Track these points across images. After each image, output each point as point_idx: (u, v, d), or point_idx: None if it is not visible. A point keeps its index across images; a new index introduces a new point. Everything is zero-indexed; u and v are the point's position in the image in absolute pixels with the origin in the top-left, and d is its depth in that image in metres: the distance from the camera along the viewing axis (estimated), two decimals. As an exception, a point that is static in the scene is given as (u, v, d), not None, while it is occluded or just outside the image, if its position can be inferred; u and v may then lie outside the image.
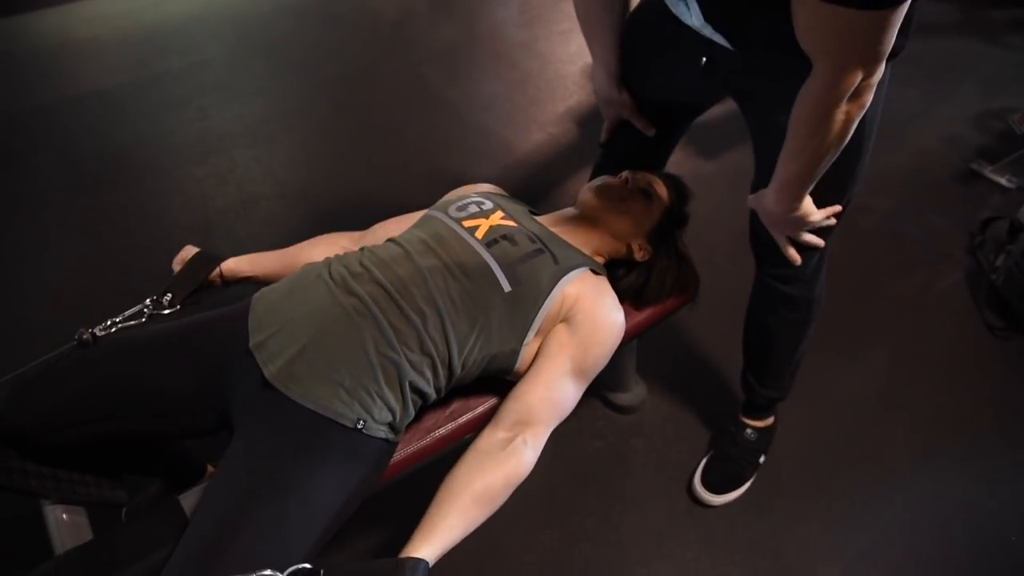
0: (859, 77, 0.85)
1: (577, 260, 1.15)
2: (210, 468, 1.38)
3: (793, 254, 1.21)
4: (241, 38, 3.30)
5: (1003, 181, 2.38)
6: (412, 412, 1.01)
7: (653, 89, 1.32)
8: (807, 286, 1.31)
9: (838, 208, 1.16)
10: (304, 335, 0.96)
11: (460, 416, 1.12)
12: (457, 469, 0.97)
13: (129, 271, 2.02)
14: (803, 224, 1.15)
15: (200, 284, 1.19)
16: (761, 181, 1.23)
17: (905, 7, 0.77)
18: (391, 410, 0.96)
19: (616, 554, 1.48)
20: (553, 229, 1.22)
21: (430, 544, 0.87)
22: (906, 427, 1.70)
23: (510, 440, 0.99)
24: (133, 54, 3.15)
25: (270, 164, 2.50)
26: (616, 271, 1.27)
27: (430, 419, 1.11)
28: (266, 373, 0.94)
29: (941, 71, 2.92)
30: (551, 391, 1.05)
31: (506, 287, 1.05)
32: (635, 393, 1.71)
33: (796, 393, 1.56)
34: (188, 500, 1.02)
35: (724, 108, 1.34)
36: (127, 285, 2.01)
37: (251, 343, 0.98)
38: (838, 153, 0.98)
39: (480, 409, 1.13)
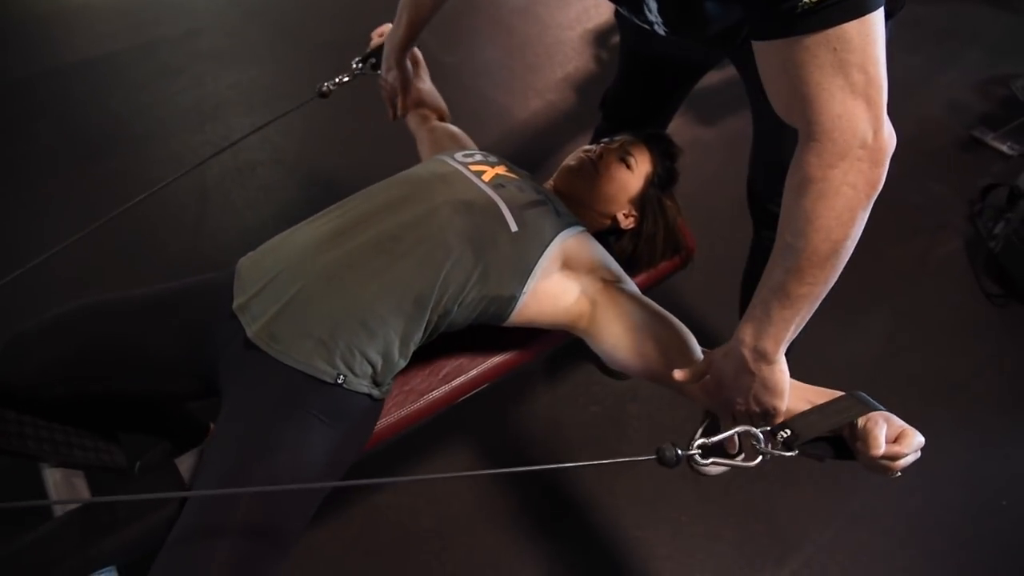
0: (863, 124, 0.73)
1: (575, 219, 1.15)
2: (213, 427, 1.39)
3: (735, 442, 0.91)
4: (235, 4, 3.24)
5: (1004, 148, 2.36)
6: (398, 364, 1.00)
7: (653, 48, 1.30)
8: None
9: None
10: (286, 293, 0.96)
11: (454, 379, 1.12)
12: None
13: (126, 238, 2.02)
14: (764, 401, 0.90)
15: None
16: (757, 147, 1.22)
17: (881, 22, 0.70)
18: (372, 364, 0.96)
19: (611, 518, 1.49)
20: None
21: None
22: (901, 392, 1.71)
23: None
24: (127, 21, 3.10)
25: (266, 131, 2.47)
26: (606, 239, 1.26)
27: (424, 382, 1.12)
28: (248, 333, 0.95)
29: (945, 36, 2.88)
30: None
31: (513, 227, 1.04)
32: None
33: (793, 357, 1.56)
34: (184, 463, 1.04)
35: (723, 74, 1.33)
36: (124, 251, 2.01)
37: (234, 304, 0.98)
38: (845, 260, 0.82)
39: (474, 372, 1.13)
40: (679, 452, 0.78)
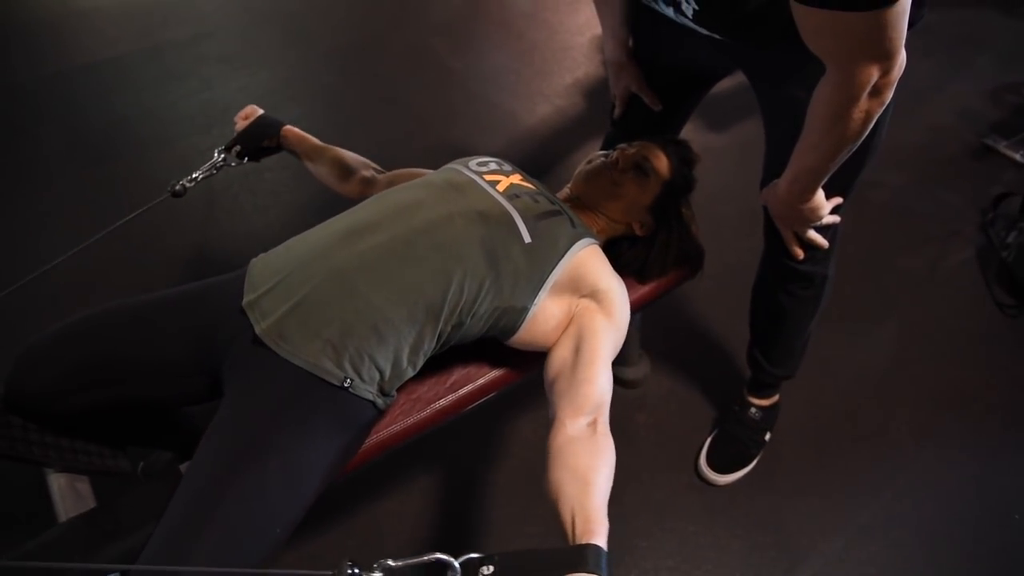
0: (874, 75, 0.83)
1: (589, 231, 1.14)
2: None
3: (798, 251, 1.23)
4: (245, 8, 3.26)
5: (1017, 156, 2.34)
6: (406, 373, 0.99)
7: (664, 58, 1.29)
8: (822, 262, 1.29)
9: (840, 200, 1.17)
10: (299, 292, 0.95)
11: (461, 388, 1.11)
12: (571, 460, 0.88)
13: (132, 241, 2.02)
14: (813, 218, 1.14)
15: (262, 143, 1.30)
16: (771, 155, 1.21)
17: (903, 4, 0.75)
18: (380, 370, 0.95)
19: (617, 527, 1.46)
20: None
21: (595, 531, 0.79)
22: (911, 404, 1.69)
23: (595, 423, 0.93)
24: (136, 25, 3.12)
25: (275, 135, 2.48)
26: (619, 245, 1.25)
27: (432, 390, 1.11)
28: (257, 330, 0.94)
29: (957, 43, 2.86)
30: (608, 373, 0.99)
31: (526, 238, 1.03)
32: (639, 367, 1.71)
33: (801, 368, 1.55)
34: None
35: (734, 81, 1.31)
36: (132, 256, 2.01)
37: (244, 301, 0.98)
38: (855, 147, 0.97)
39: (481, 380, 1.12)
40: (358, 572, 0.68)
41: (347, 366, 0.92)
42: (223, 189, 2.25)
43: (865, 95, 0.85)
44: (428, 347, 0.99)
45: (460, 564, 0.72)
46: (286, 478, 0.86)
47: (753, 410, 1.57)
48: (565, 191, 1.29)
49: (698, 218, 1.33)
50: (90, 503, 1.08)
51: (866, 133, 0.93)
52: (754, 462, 1.57)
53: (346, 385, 0.92)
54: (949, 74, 2.73)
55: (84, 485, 1.10)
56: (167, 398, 1.07)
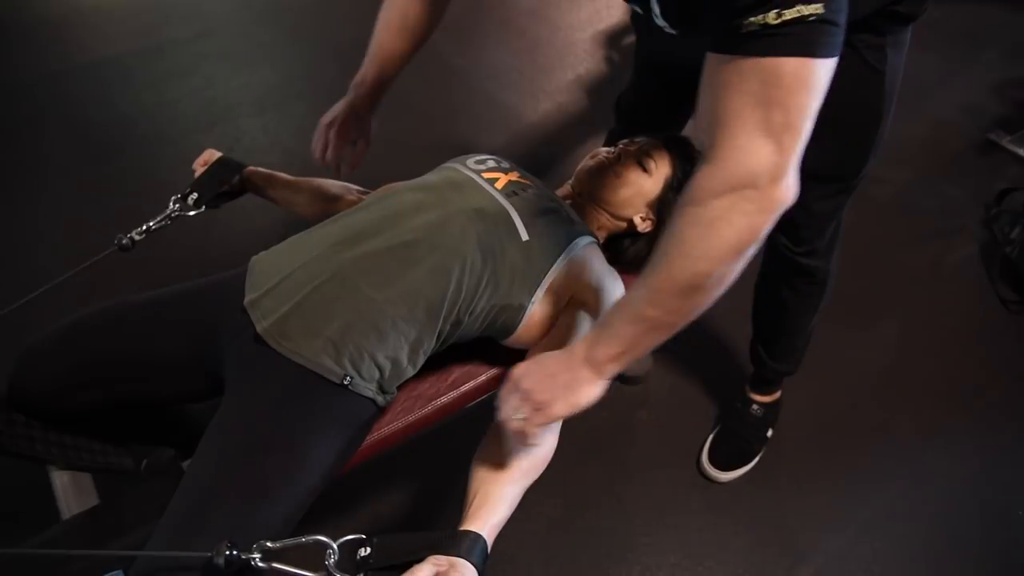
0: (763, 162, 0.68)
1: (588, 229, 1.14)
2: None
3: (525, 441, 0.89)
4: (248, 6, 3.26)
5: (1021, 152, 2.33)
6: (407, 372, 1.00)
7: (658, 57, 1.29)
8: (824, 256, 1.28)
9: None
10: (300, 292, 0.95)
11: (462, 385, 1.11)
12: (496, 446, 0.91)
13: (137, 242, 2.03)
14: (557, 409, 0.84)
15: (222, 188, 1.22)
16: None
17: (825, 73, 0.67)
18: (379, 368, 0.95)
19: (619, 524, 1.48)
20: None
21: (485, 518, 0.82)
22: (915, 401, 1.69)
23: None
24: (139, 22, 3.12)
25: (277, 132, 2.48)
26: (621, 241, 1.25)
27: (432, 388, 1.11)
28: (258, 328, 0.94)
29: (962, 37, 2.84)
30: None
31: (524, 236, 1.03)
32: (641, 364, 1.71)
33: (804, 364, 1.55)
34: (192, 467, 1.03)
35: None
36: (134, 254, 2.01)
37: (245, 300, 0.98)
38: (707, 288, 0.76)
39: (482, 378, 1.12)
40: (235, 554, 0.71)
41: (347, 364, 0.93)
42: (225, 187, 2.25)
43: (742, 195, 0.70)
44: (428, 346, 0.99)
45: (338, 545, 0.75)
46: (287, 475, 0.86)
47: (755, 406, 1.57)
48: (566, 188, 1.29)
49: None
50: (93, 500, 1.09)
51: (724, 277, 0.75)
52: (756, 459, 1.56)
53: (346, 383, 0.92)
54: (953, 69, 2.72)
55: (87, 482, 1.10)
56: (169, 396, 1.07)
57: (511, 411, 0.84)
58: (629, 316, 0.81)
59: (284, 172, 1.40)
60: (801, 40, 0.65)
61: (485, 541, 0.79)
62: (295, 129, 2.50)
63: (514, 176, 1.14)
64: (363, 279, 0.96)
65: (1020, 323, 1.86)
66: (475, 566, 0.75)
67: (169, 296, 1.05)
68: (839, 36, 0.67)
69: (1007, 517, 1.49)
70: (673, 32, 0.96)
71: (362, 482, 1.52)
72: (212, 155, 1.26)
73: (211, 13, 3.18)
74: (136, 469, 1.15)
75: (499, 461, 0.89)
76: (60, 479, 1.08)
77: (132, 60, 2.89)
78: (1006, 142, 2.37)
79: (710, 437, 1.60)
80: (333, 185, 1.31)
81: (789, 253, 1.26)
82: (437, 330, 0.99)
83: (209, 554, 0.70)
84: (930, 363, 1.77)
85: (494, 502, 0.85)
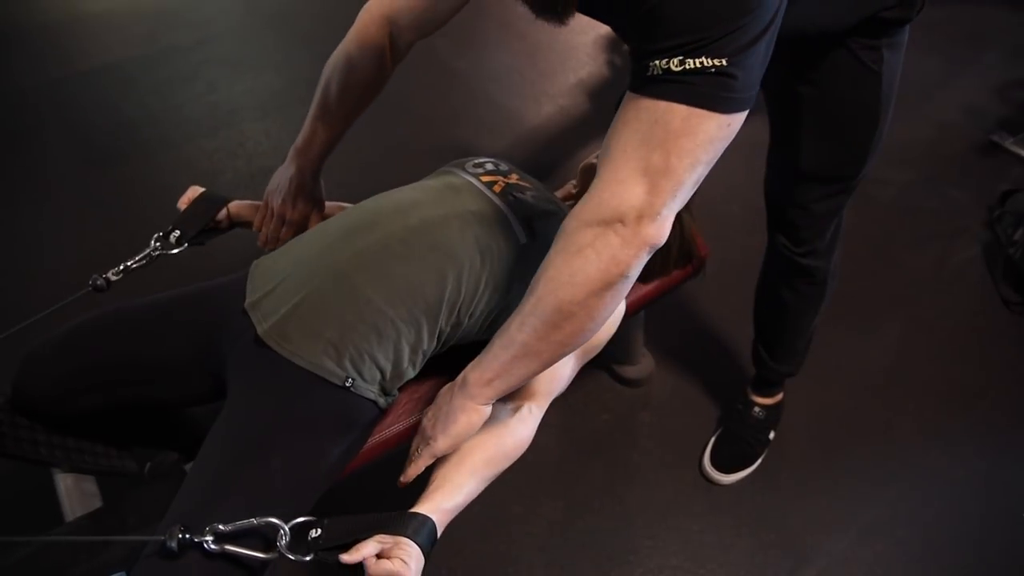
0: (635, 200, 0.70)
1: None
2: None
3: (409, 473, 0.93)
4: (250, 11, 3.27)
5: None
6: (407, 373, 1.00)
7: None
8: (825, 257, 1.28)
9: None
10: (299, 293, 0.96)
11: (463, 388, 1.11)
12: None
13: (139, 245, 2.03)
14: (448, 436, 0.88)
15: (207, 224, 1.20)
16: (776, 152, 1.21)
17: (721, 127, 0.68)
18: (380, 370, 0.96)
19: (621, 526, 1.48)
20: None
21: (438, 502, 0.85)
22: (917, 402, 1.69)
23: (518, 408, 0.98)
24: (142, 28, 3.13)
25: (280, 137, 2.49)
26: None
27: (433, 390, 1.10)
28: (259, 330, 0.94)
29: (964, 38, 2.84)
30: (571, 365, 1.04)
31: (522, 238, 1.04)
32: (643, 366, 1.71)
33: (806, 366, 1.55)
34: (194, 469, 1.04)
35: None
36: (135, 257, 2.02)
37: (246, 302, 0.98)
38: (576, 329, 0.78)
39: (483, 381, 1.12)
40: (188, 537, 0.73)
41: (348, 366, 0.93)
42: (229, 191, 2.24)
43: (611, 227, 0.72)
44: (428, 347, 1.00)
45: (290, 528, 0.77)
46: (288, 476, 0.86)
47: (757, 409, 1.57)
48: (567, 189, 1.29)
49: (702, 218, 1.33)
50: (96, 503, 1.09)
51: (595, 311, 0.77)
52: (758, 461, 1.56)
53: (348, 385, 0.93)
54: (956, 70, 2.72)
55: (90, 485, 1.11)
56: (172, 399, 1.08)
57: (414, 445, 0.89)
58: (503, 340, 0.82)
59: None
60: (697, 91, 0.66)
61: (434, 523, 0.82)
62: (297, 133, 2.50)
63: (512, 179, 1.15)
64: (360, 277, 0.96)
65: (1022, 325, 1.85)
66: (420, 546, 0.77)
67: (171, 300, 1.06)
68: (742, 91, 0.68)
69: (1009, 519, 1.48)
70: None
71: (364, 485, 1.52)
72: (195, 192, 1.23)
73: (213, 20, 3.20)
74: (139, 472, 1.15)
75: (465, 449, 0.91)
76: (64, 482, 1.09)
77: (134, 66, 2.90)
78: (1009, 144, 2.36)
79: (712, 439, 1.60)
80: (327, 207, 1.29)
81: (789, 253, 1.27)
82: (437, 331, 0.99)
83: (162, 537, 0.73)
84: (932, 365, 1.77)
85: (451, 488, 0.87)
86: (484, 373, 0.84)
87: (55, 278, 2.01)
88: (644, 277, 1.28)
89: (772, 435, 1.58)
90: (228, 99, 2.70)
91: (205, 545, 0.74)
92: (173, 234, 1.17)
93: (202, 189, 1.24)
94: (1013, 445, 1.61)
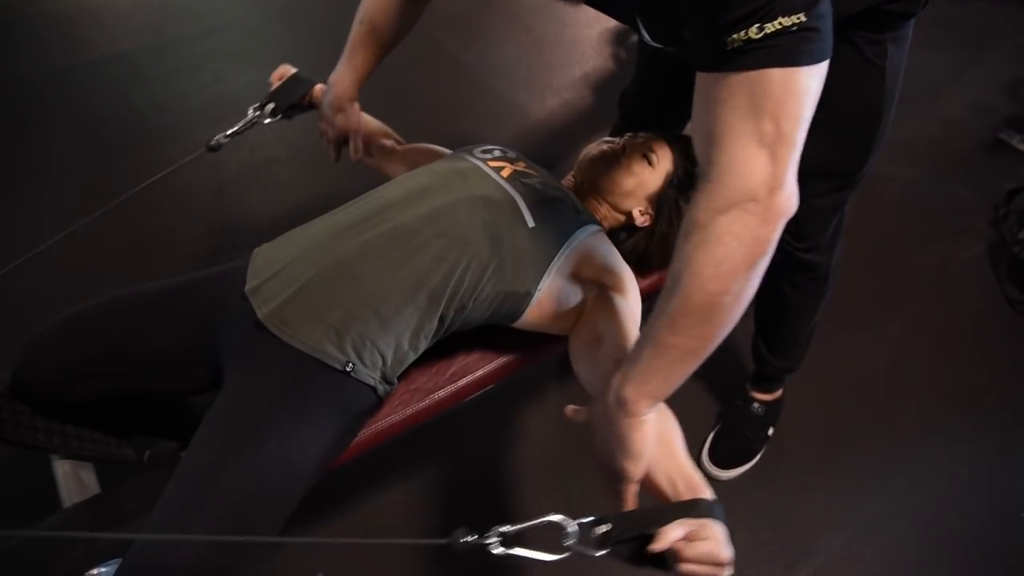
0: (760, 172, 0.68)
1: (593, 218, 1.15)
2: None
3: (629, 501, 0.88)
4: (255, 2, 3.27)
5: (1031, 151, 2.31)
6: (408, 356, 1.00)
7: (665, 53, 1.29)
8: (826, 252, 1.28)
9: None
10: (300, 279, 0.96)
11: (460, 379, 1.12)
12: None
13: (144, 234, 2.04)
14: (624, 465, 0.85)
15: (295, 101, 1.33)
16: None
17: (815, 77, 0.67)
18: (382, 355, 0.96)
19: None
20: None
21: (704, 487, 0.81)
22: (918, 400, 1.68)
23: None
24: (149, 18, 3.13)
25: (283, 128, 2.47)
26: (618, 235, 1.25)
27: (430, 381, 1.11)
28: (259, 315, 0.95)
29: (971, 36, 2.82)
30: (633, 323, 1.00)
31: (530, 222, 1.04)
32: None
33: (806, 362, 1.54)
34: (191, 457, 1.04)
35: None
36: (140, 245, 2.03)
37: (247, 288, 0.99)
38: (722, 311, 0.74)
39: (480, 372, 1.13)
40: (471, 539, 0.70)
41: (349, 350, 0.93)
42: (232, 181, 2.27)
43: (744, 208, 0.69)
44: (429, 330, 1.00)
45: (578, 524, 0.74)
46: (283, 461, 0.86)
47: (756, 405, 1.57)
48: (568, 179, 1.29)
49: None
50: (94, 490, 1.10)
51: (741, 294, 0.73)
52: (757, 457, 1.56)
53: (348, 369, 0.93)
54: (963, 67, 2.70)
55: (88, 472, 1.12)
56: (171, 388, 1.08)
57: (608, 491, 0.85)
58: (653, 349, 0.78)
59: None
60: (785, 51, 0.65)
61: (722, 507, 0.78)
62: (300, 124, 2.50)
63: (520, 166, 1.15)
64: (366, 265, 0.96)
65: (1027, 323, 1.85)
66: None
67: (171, 288, 1.06)
68: (825, 40, 0.67)
69: (1010, 518, 1.48)
70: (668, 50, 0.96)
71: (360, 475, 1.52)
72: (287, 70, 1.36)
73: (219, 11, 3.20)
74: (138, 459, 1.16)
75: (665, 440, 0.85)
76: (62, 468, 1.09)
77: (140, 57, 2.90)
78: (1016, 142, 2.35)
79: (711, 435, 1.59)
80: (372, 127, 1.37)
81: (791, 248, 1.26)
82: (439, 315, 0.99)
83: (445, 540, 0.70)
84: (935, 363, 1.76)
85: (694, 472, 0.83)
86: (641, 386, 0.79)
87: (60, 266, 2.02)
88: (640, 268, 1.28)
89: (771, 431, 1.58)
90: (234, 89, 2.70)
91: (491, 548, 0.71)
92: (268, 106, 1.31)
93: (294, 69, 1.36)
94: (1016, 444, 1.61)
